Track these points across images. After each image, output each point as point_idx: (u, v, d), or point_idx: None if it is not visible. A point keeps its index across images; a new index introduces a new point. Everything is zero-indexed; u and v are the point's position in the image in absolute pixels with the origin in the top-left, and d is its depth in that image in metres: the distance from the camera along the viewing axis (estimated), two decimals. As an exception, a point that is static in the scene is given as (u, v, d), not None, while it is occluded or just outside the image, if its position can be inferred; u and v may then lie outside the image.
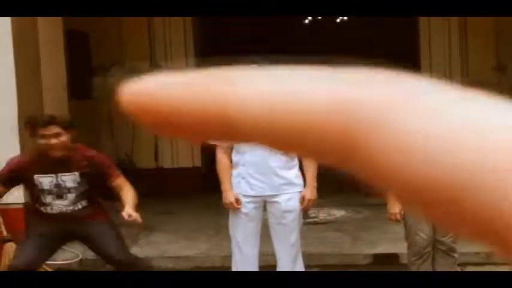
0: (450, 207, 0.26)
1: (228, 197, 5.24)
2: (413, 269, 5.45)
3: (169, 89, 0.30)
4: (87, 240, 5.72)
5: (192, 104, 0.29)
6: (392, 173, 0.27)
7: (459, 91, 0.29)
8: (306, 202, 5.23)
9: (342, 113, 0.27)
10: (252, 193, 5.25)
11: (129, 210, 5.28)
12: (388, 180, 0.27)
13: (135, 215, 5.28)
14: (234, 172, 5.33)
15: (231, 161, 5.34)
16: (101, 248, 5.59)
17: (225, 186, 5.29)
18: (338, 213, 9.47)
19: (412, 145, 0.27)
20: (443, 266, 5.50)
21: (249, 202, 5.27)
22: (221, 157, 5.32)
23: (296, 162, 5.33)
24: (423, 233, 5.40)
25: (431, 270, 5.52)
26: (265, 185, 5.23)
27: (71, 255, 7.45)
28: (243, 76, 0.29)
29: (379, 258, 7.02)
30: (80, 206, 5.58)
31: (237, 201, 5.23)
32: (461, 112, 0.28)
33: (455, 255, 5.56)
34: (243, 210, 5.27)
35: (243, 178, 5.26)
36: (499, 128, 0.27)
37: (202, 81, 0.30)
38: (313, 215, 9.15)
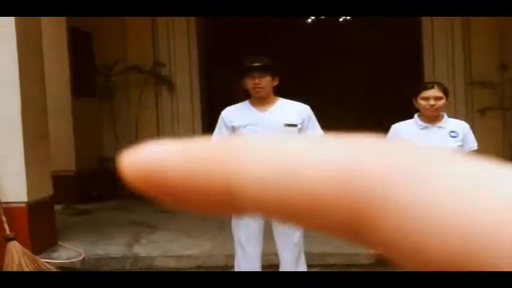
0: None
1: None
2: None
3: (171, 160, 0.30)
4: None
5: (195, 177, 0.29)
6: (400, 247, 0.27)
7: (459, 160, 0.28)
8: None
9: (346, 188, 0.27)
10: None
11: None
12: (396, 253, 0.27)
13: None
14: None
15: None
16: None
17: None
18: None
19: (419, 222, 0.26)
20: None
21: None
22: None
23: None
24: None
25: None
26: None
27: (73, 254, 7.46)
28: (246, 148, 0.29)
29: (381, 257, 7.01)
30: None
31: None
32: (463, 189, 0.26)
33: None
34: None
35: None
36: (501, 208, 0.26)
37: (206, 153, 0.29)
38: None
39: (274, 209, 0.28)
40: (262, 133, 5.16)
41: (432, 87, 5.38)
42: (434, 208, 0.26)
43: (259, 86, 5.19)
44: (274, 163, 0.28)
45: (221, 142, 0.30)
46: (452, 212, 0.26)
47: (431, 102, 5.24)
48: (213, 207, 0.30)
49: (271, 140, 0.29)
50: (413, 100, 5.40)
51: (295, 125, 5.21)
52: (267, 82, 5.22)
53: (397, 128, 5.45)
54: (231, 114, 5.31)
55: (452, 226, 0.26)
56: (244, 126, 5.20)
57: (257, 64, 5.25)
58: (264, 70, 5.24)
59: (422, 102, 5.30)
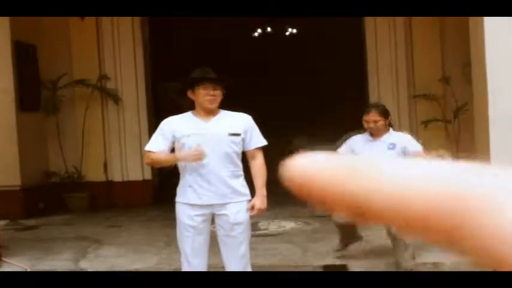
0: None
1: (186, 154, 5.17)
2: None
3: (320, 170, 0.37)
4: None
5: (337, 186, 0.36)
6: (496, 259, 0.33)
7: None
8: (255, 211, 5.24)
9: (451, 208, 0.34)
10: (199, 202, 5.25)
11: None
12: (491, 263, 0.34)
13: None
14: (181, 181, 5.34)
15: (172, 169, 5.36)
16: None
17: (175, 155, 5.25)
18: (288, 225, 9.53)
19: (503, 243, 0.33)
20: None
21: (197, 215, 5.27)
22: (153, 154, 5.30)
23: (241, 171, 5.36)
24: None
25: None
26: (212, 193, 5.24)
27: (18, 270, 7.36)
28: (373, 169, 0.36)
29: (328, 269, 7.07)
30: None
31: (197, 149, 5.18)
32: None
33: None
34: (191, 223, 5.26)
35: (190, 187, 5.26)
36: None
37: (342, 169, 0.37)
38: (263, 227, 9.19)
39: (392, 222, 0.35)
40: (207, 142, 5.20)
41: (369, 112, 6.55)
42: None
43: (213, 97, 5.24)
44: (394, 185, 0.35)
45: (361, 160, 0.37)
46: None
47: (371, 125, 6.50)
48: (346, 214, 0.37)
49: (392, 163, 0.36)
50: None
51: (238, 135, 5.27)
52: (219, 94, 5.27)
53: (352, 139, 6.64)
54: (174, 124, 5.32)
55: None
56: (188, 136, 5.22)
57: (214, 76, 5.30)
58: (218, 82, 5.30)
59: (365, 124, 6.55)
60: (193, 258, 5.30)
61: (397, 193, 0.35)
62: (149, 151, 5.33)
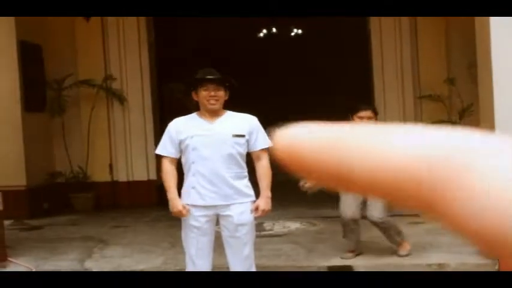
0: None
1: (175, 205, 5.21)
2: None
3: (307, 140, 0.37)
4: None
5: (322, 155, 0.37)
6: (465, 225, 0.33)
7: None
8: (260, 212, 5.24)
9: (428, 173, 0.34)
10: (203, 203, 5.25)
11: None
12: (463, 230, 0.34)
13: None
14: (185, 182, 5.34)
15: (177, 170, 5.36)
16: None
17: (171, 194, 5.26)
18: (293, 225, 9.52)
19: (482, 203, 0.32)
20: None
21: (201, 216, 5.27)
22: (166, 165, 5.32)
23: (246, 172, 5.35)
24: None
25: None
26: (215, 194, 5.24)
27: (23, 270, 7.37)
28: (355, 138, 0.37)
29: (333, 270, 7.07)
30: None
31: (185, 208, 5.22)
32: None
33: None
34: (196, 224, 5.26)
35: (193, 188, 5.26)
36: None
37: (334, 136, 0.37)
38: (268, 228, 9.19)
39: (371, 189, 0.36)
40: (210, 143, 5.20)
41: (367, 109, 6.90)
42: (490, 189, 0.32)
43: (214, 98, 5.23)
44: (375, 152, 0.35)
45: (339, 130, 0.37)
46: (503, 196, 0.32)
47: (364, 121, 6.63)
48: (329, 182, 0.37)
49: (375, 131, 0.37)
50: (350, 116, 6.81)
51: (242, 136, 5.25)
52: (221, 95, 5.26)
53: None
54: (179, 125, 5.32)
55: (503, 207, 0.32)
56: (192, 137, 5.22)
57: (214, 77, 5.28)
58: (220, 83, 5.28)
59: (358, 120, 6.67)
60: (197, 259, 5.30)
61: (376, 161, 0.35)
62: (162, 156, 5.36)
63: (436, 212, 0.34)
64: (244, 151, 5.30)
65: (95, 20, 11.82)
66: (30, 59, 11.09)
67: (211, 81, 5.26)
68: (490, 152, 0.34)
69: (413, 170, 0.34)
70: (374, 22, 11.87)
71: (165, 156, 5.33)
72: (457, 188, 0.33)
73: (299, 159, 0.37)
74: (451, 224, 0.34)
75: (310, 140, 0.37)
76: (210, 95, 5.22)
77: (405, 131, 0.36)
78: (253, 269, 5.40)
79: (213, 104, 5.23)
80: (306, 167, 0.37)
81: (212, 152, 5.19)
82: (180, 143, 5.26)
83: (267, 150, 5.31)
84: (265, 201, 5.25)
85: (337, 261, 7.20)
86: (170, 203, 5.25)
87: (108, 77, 12.03)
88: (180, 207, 5.19)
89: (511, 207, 0.32)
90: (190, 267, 5.35)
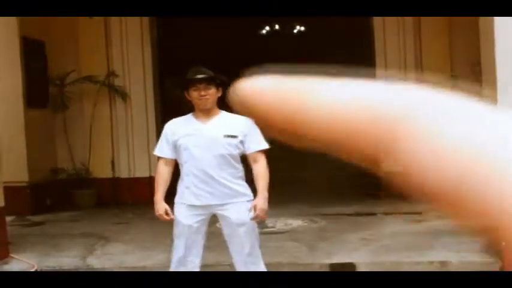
0: (453, 206, 0.33)
1: (157, 208, 5.29)
2: None
3: (264, 91, 0.38)
4: None
5: (276, 106, 0.38)
6: (406, 176, 0.34)
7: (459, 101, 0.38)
8: (258, 211, 5.21)
9: (375, 130, 0.35)
10: (197, 203, 5.26)
11: None
12: (406, 183, 0.34)
13: None
14: (179, 182, 5.37)
15: (172, 173, 5.40)
16: None
17: (156, 197, 5.33)
18: (295, 222, 9.51)
19: (419, 155, 0.34)
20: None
21: (194, 215, 5.28)
22: (160, 167, 5.37)
23: (241, 172, 5.35)
24: None
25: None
26: (209, 194, 5.24)
27: (25, 266, 7.37)
28: (307, 92, 0.37)
29: (335, 267, 7.07)
30: None
31: (167, 213, 5.27)
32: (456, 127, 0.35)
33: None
34: (187, 222, 5.29)
35: (187, 188, 5.28)
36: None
37: (290, 88, 0.38)
38: (270, 225, 9.18)
39: (322, 142, 0.37)
40: (202, 143, 5.21)
41: None
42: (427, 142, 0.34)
43: (204, 97, 5.20)
44: (326, 107, 0.36)
45: (295, 82, 0.38)
46: (442, 146, 0.34)
47: None
48: (283, 133, 0.38)
49: (327, 85, 0.37)
50: None
51: (235, 137, 5.23)
52: (212, 93, 5.23)
53: None
54: (174, 126, 5.35)
55: (441, 158, 0.33)
56: (184, 137, 5.23)
57: (202, 76, 5.24)
58: (209, 82, 5.24)
59: None
60: (185, 257, 5.34)
61: (328, 115, 0.36)
62: (158, 156, 5.40)
63: (379, 167, 0.35)
64: (237, 152, 5.28)
65: (98, 17, 11.81)
66: (33, 55, 11.08)
67: (199, 81, 5.23)
68: (423, 103, 0.36)
69: (360, 122, 0.35)
70: (377, 20, 11.85)
71: (161, 157, 5.37)
72: (397, 139, 0.34)
73: (260, 107, 0.38)
74: (396, 177, 0.35)
75: (271, 90, 0.38)
76: (201, 94, 5.20)
77: (356, 85, 0.37)
78: (261, 265, 5.37)
79: (204, 103, 5.21)
80: (265, 115, 0.38)
81: (203, 152, 5.20)
82: (174, 143, 5.27)
83: (264, 152, 5.28)
84: (262, 201, 5.22)
85: (339, 259, 7.19)
86: (155, 206, 5.33)
87: (111, 74, 12.03)
88: (160, 211, 5.27)
89: (446, 153, 0.33)
90: (174, 265, 5.40)
